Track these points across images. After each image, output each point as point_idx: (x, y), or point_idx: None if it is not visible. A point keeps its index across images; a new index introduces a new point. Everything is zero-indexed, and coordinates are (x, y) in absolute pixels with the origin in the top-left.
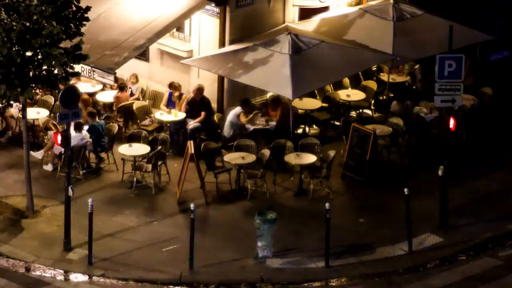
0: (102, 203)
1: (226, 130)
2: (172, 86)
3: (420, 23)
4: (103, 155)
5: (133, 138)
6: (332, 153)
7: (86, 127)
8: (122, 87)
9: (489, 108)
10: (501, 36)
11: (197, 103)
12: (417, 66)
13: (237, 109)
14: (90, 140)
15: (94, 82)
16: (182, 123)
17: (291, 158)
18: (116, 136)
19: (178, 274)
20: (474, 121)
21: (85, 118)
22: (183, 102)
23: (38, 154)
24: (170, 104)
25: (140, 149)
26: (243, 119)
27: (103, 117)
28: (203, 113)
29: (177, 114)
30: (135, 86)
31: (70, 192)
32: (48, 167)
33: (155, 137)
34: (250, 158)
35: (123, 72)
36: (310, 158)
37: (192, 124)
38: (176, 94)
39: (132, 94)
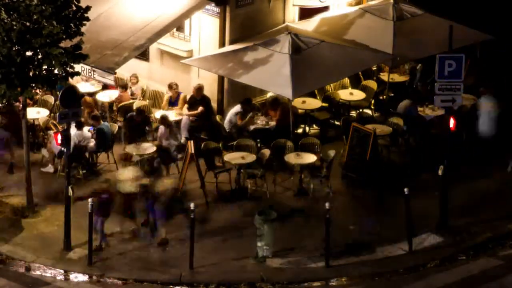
0: None
1: (226, 127)
2: (169, 86)
3: (420, 23)
4: (103, 155)
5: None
6: (332, 152)
7: (87, 128)
8: (124, 86)
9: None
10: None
11: (197, 102)
12: (419, 66)
13: (237, 108)
14: (91, 140)
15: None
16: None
17: (291, 158)
18: (116, 136)
19: (178, 274)
20: (474, 121)
21: (87, 120)
22: (181, 102)
23: (49, 169)
24: (171, 105)
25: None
26: (238, 120)
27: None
28: (200, 108)
29: (177, 114)
30: (135, 86)
31: (70, 192)
32: (49, 169)
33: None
34: (250, 158)
35: (123, 72)
36: (310, 158)
37: (184, 117)
38: (172, 94)
39: (132, 94)
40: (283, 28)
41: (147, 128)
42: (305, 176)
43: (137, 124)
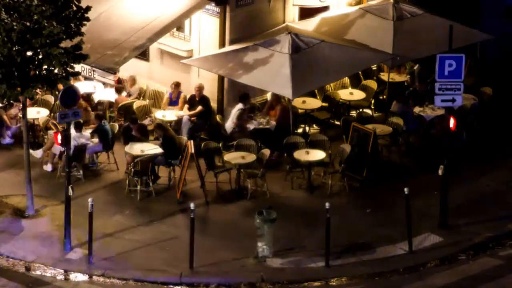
0: (102, 203)
1: (228, 127)
2: (172, 85)
3: (420, 23)
4: (103, 155)
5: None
6: (347, 147)
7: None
8: (119, 89)
9: (489, 108)
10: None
11: (197, 102)
12: (416, 66)
13: (239, 106)
14: (92, 140)
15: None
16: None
17: (301, 155)
18: (116, 135)
19: (178, 274)
20: (474, 121)
21: (91, 120)
22: (182, 101)
23: (37, 153)
24: (171, 104)
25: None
26: (240, 119)
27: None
28: (199, 108)
29: (177, 114)
30: (133, 88)
31: (70, 192)
32: (48, 167)
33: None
34: (250, 158)
35: (123, 72)
36: (319, 155)
37: (185, 117)
38: (173, 93)
39: (129, 96)
40: (283, 28)
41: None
42: (315, 173)
43: (133, 134)
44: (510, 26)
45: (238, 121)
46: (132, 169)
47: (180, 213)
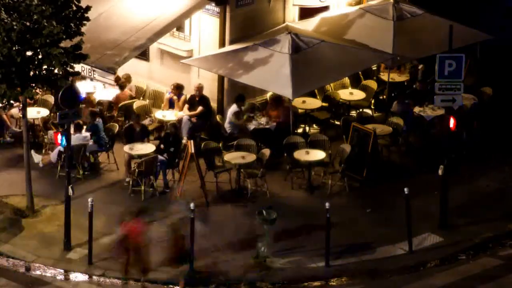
0: (102, 203)
1: (226, 128)
2: (172, 87)
3: (420, 23)
4: (103, 155)
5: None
6: (347, 147)
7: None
8: (122, 86)
9: (489, 108)
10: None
11: (197, 102)
12: (420, 66)
13: (233, 107)
14: (91, 140)
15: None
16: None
17: (301, 155)
18: (116, 135)
19: (178, 274)
20: (474, 121)
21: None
22: (182, 102)
23: (37, 158)
24: (171, 105)
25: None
26: (235, 120)
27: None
28: (199, 108)
29: (177, 114)
30: (127, 86)
31: (70, 192)
32: (40, 163)
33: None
34: (250, 157)
35: (123, 72)
36: (319, 155)
37: (185, 117)
38: (173, 95)
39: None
40: (283, 28)
41: (146, 139)
42: (315, 173)
43: (136, 133)
44: (510, 26)
45: (236, 122)
46: (137, 170)
47: (180, 213)
